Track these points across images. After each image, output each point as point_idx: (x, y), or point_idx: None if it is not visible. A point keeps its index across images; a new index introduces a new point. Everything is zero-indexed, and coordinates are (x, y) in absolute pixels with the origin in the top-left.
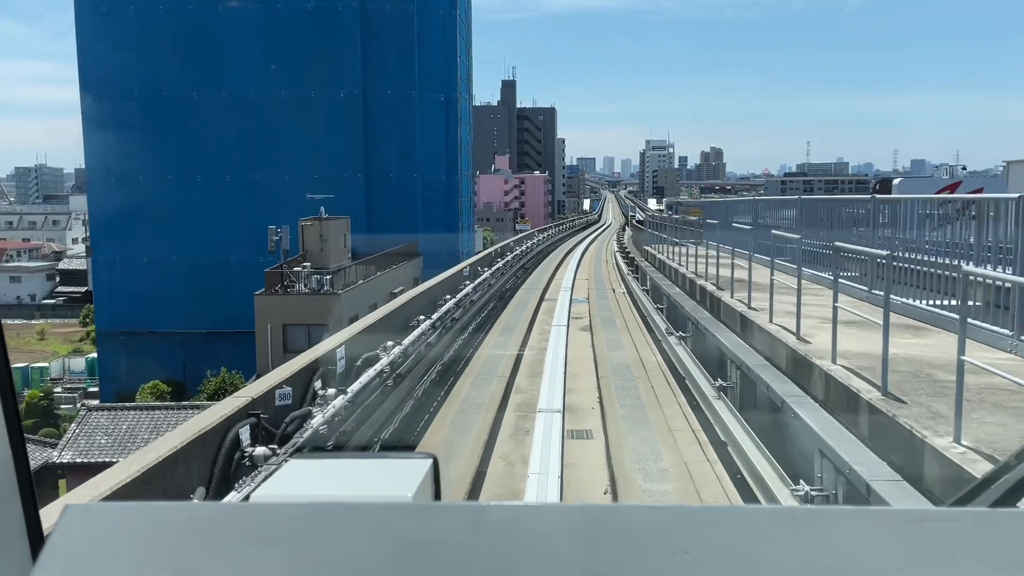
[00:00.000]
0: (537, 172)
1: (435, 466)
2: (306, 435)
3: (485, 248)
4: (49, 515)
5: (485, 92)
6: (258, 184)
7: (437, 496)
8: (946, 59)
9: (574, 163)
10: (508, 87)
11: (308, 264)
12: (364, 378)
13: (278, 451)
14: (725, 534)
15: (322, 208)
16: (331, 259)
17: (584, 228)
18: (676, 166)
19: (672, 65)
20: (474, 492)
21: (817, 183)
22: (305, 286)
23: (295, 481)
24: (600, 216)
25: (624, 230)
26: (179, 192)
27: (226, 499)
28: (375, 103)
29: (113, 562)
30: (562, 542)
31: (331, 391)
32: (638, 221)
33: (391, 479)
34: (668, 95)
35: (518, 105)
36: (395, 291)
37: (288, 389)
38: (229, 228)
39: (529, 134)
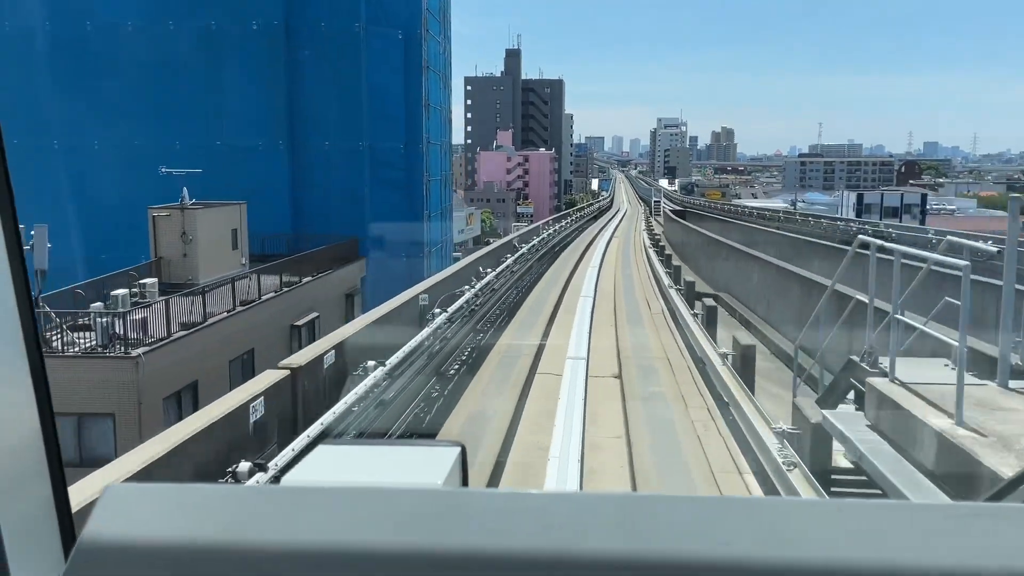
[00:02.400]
0: (543, 149)
1: (463, 454)
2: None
3: (482, 240)
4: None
5: (487, 64)
6: (138, 153)
7: (464, 485)
8: (959, 40)
9: (582, 142)
10: (512, 57)
11: (149, 282)
12: None
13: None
14: (767, 526)
15: (184, 190)
16: (203, 269)
17: (594, 219)
18: (687, 146)
19: (681, 45)
20: None
21: (839, 165)
22: (97, 337)
23: (324, 466)
24: (612, 200)
25: (649, 220)
26: (28, 163)
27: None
28: (303, 40)
29: (150, 542)
30: (600, 531)
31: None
32: (673, 211)
33: (419, 466)
34: (678, 74)
35: (523, 77)
36: (299, 323)
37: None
38: (98, 215)
39: (535, 108)
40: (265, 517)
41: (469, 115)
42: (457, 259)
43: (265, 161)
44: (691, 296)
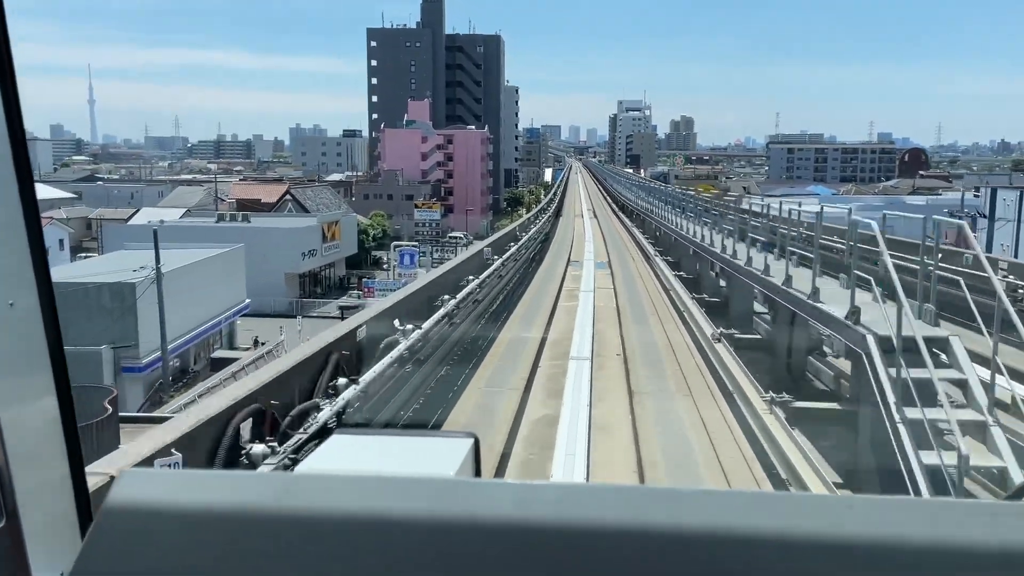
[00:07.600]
0: (472, 127)
1: (476, 445)
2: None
3: (367, 263)
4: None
5: (398, 12)
6: None
7: (477, 476)
8: (907, 33)
9: (536, 127)
10: (432, 4)
11: None
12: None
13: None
14: (780, 520)
15: None
16: None
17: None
18: (652, 132)
19: (639, 33)
20: None
21: (832, 153)
22: None
23: (339, 455)
24: (559, 205)
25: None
26: None
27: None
28: None
29: (161, 526)
30: (615, 523)
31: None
32: None
33: (434, 457)
34: (636, 61)
35: (448, 32)
36: None
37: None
38: None
39: (464, 73)
40: (277, 503)
41: (374, 80)
42: None
43: None
44: None
